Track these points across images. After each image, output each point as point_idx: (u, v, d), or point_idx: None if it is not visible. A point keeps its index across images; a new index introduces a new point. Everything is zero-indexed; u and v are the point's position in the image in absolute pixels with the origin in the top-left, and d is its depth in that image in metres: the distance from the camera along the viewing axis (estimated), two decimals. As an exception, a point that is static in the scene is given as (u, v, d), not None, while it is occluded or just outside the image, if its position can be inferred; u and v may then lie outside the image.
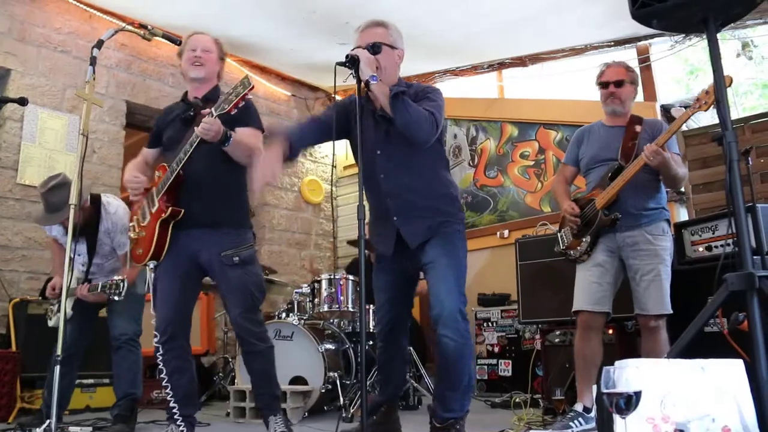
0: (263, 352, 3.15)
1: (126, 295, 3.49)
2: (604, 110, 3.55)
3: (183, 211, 3.07)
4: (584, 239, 3.41)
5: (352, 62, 2.68)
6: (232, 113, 2.89)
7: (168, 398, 3.08)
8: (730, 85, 2.70)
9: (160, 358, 3.05)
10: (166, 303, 3.08)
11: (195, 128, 2.94)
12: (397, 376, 3.21)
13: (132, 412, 3.81)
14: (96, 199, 3.84)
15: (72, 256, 2.87)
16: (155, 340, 3.06)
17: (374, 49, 2.85)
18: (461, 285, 2.84)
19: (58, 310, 3.12)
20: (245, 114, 3.07)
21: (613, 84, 3.45)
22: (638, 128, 3.40)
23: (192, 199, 3.10)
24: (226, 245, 3.09)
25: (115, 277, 3.53)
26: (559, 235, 3.63)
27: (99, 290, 3.52)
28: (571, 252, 3.49)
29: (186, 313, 3.18)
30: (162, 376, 3.05)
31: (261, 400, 3.24)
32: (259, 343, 3.13)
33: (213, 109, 2.91)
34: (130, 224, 3.29)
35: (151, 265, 3.11)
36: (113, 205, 3.87)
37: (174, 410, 3.07)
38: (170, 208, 3.05)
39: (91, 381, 4.79)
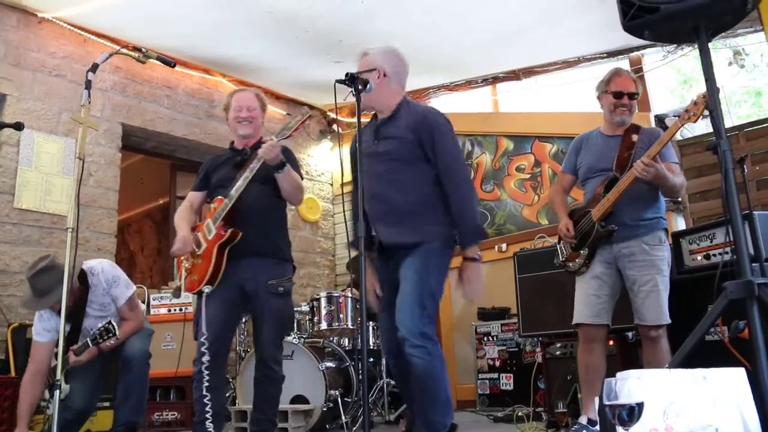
0: (279, 380, 3.36)
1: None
2: (609, 119, 3.50)
3: (241, 233, 3.25)
4: (582, 251, 3.41)
5: (351, 80, 2.72)
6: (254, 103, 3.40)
7: (205, 413, 3.11)
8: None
9: (201, 374, 3.14)
10: (212, 324, 3.21)
11: (249, 165, 3.24)
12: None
13: None
14: (81, 274, 3.77)
15: (72, 272, 2.86)
16: (198, 359, 3.16)
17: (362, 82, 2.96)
18: (428, 304, 2.89)
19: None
20: (290, 160, 3.36)
21: (627, 95, 3.43)
22: (635, 137, 3.39)
23: (242, 230, 3.27)
24: (273, 275, 3.31)
25: (99, 324, 3.53)
26: (558, 247, 3.63)
27: (90, 345, 3.50)
28: (570, 264, 3.48)
29: (227, 336, 3.35)
30: (204, 393, 3.14)
31: (259, 424, 3.33)
32: (280, 371, 3.34)
33: (274, 135, 3.23)
34: (183, 258, 3.41)
35: (207, 290, 3.23)
36: (95, 267, 3.83)
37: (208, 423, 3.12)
38: (230, 231, 3.24)
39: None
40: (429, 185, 3.06)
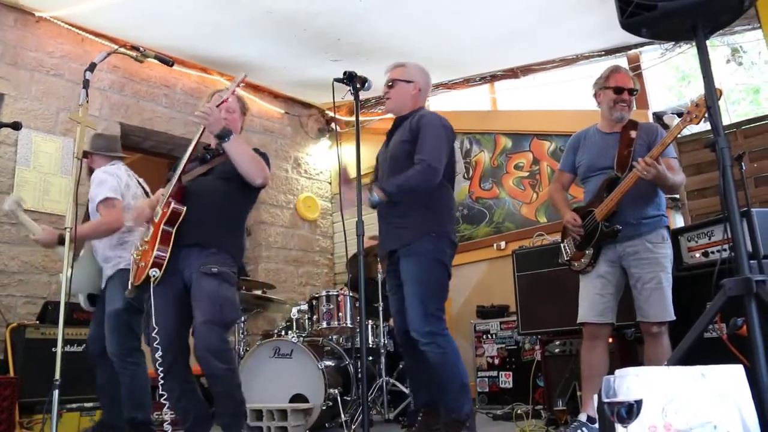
0: (223, 375, 2.97)
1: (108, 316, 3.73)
2: (608, 115, 3.49)
3: (185, 209, 3.07)
4: (587, 251, 3.40)
5: (350, 78, 2.74)
6: (229, 100, 3.20)
7: (177, 422, 3.01)
8: (719, 97, 2.71)
9: (161, 383, 2.92)
10: (163, 329, 3.02)
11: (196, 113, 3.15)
12: (427, 380, 3.33)
13: None
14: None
15: (70, 273, 2.89)
16: (154, 362, 2.98)
17: (390, 84, 3.47)
18: (430, 303, 3.14)
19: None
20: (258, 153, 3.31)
21: (627, 91, 3.43)
22: (633, 134, 3.39)
23: (190, 219, 3.10)
24: (209, 261, 3.08)
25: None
26: (561, 245, 3.62)
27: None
28: (575, 264, 3.48)
29: (183, 335, 3.14)
30: (164, 401, 2.96)
31: (221, 418, 3.04)
32: (219, 364, 2.93)
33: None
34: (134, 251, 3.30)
35: (153, 274, 2.98)
36: (106, 168, 4.01)
37: None
38: (171, 206, 3.04)
39: (90, 405, 4.76)
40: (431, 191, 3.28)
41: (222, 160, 3.22)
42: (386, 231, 3.39)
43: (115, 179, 3.91)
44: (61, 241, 3.74)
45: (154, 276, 2.98)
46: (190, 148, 3.19)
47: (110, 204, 3.81)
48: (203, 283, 3.02)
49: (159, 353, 2.95)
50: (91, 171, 4.08)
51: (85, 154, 4.01)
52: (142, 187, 4.18)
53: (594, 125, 3.62)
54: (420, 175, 3.16)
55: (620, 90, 3.42)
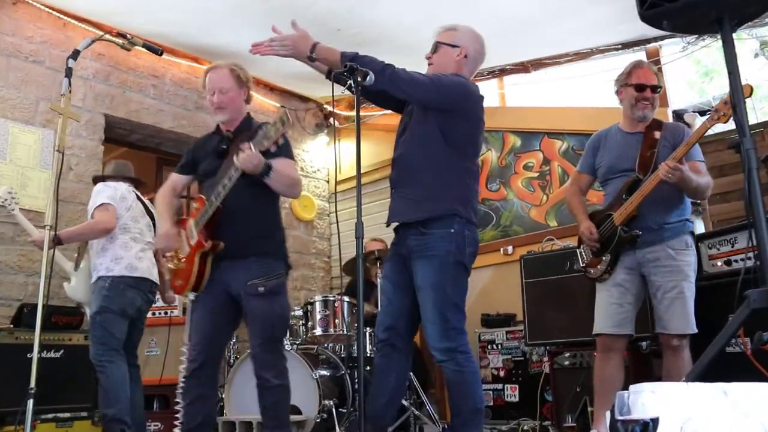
0: (274, 389, 3.22)
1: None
2: (630, 114, 3.47)
3: (223, 244, 3.26)
4: (604, 257, 3.38)
5: (350, 72, 2.71)
6: (271, 150, 3.11)
7: (179, 425, 3.17)
8: (750, 95, 2.69)
9: (182, 384, 3.20)
10: (196, 332, 3.26)
11: (234, 159, 3.12)
12: (390, 391, 3.14)
13: None
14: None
15: (49, 272, 2.98)
16: (182, 366, 3.25)
17: (434, 48, 3.31)
18: (451, 316, 2.94)
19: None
20: (281, 146, 3.21)
21: (650, 88, 3.41)
22: (657, 135, 3.37)
23: (225, 232, 3.27)
24: (253, 274, 3.23)
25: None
26: (578, 251, 3.60)
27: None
28: (591, 270, 3.46)
29: (216, 343, 3.33)
30: (178, 401, 3.19)
31: None
32: (273, 380, 3.20)
33: (252, 143, 3.06)
34: (169, 254, 3.45)
35: (191, 297, 3.30)
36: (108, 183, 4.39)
37: None
38: (210, 243, 3.25)
39: (67, 414, 4.74)
40: (439, 153, 3.07)
41: (237, 173, 3.19)
42: (397, 202, 3.17)
43: (111, 190, 4.29)
44: (58, 243, 4.04)
45: (191, 299, 3.30)
46: (227, 188, 3.22)
47: (104, 208, 4.19)
48: (252, 304, 3.22)
49: (189, 355, 3.24)
50: None
51: (96, 180, 4.55)
52: (144, 205, 4.52)
53: (616, 124, 3.59)
54: (408, 74, 2.94)
55: (642, 87, 3.40)
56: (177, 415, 3.20)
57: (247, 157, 3.05)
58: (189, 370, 3.23)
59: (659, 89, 3.44)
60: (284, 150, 3.29)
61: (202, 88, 3.56)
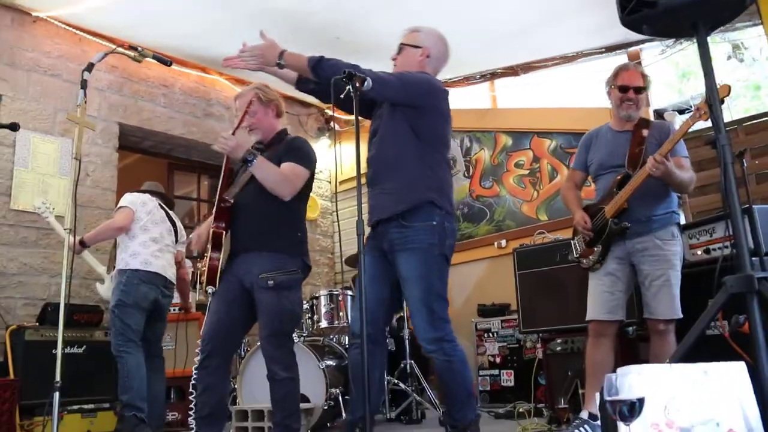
0: (283, 381, 3.18)
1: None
2: (617, 114, 3.50)
3: (223, 233, 3.24)
4: (596, 248, 3.40)
5: (349, 78, 2.70)
6: (244, 125, 3.26)
7: (191, 414, 3.17)
8: (728, 94, 2.71)
9: (194, 373, 3.19)
10: (209, 323, 3.23)
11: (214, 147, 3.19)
12: (375, 388, 3.10)
13: (121, 423, 4.15)
14: None
15: (70, 273, 2.97)
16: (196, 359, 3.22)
17: (398, 50, 3.27)
18: (437, 307, 2.91)
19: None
20: (291, 150, 3.30)
21: (633, 90, 3.42)
22: (645, 132, 3.39)
23: (240, 226, 3.26)
24: (266, 267, 3.18)
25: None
26: (572, 243, 3.63)
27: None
28: (584, 260, 3.48)
29: (228, 334, 3.26)
30: (192, 391, 3.19)
31: (274, 427, 3.23)
32: (281, 372, 3.16)
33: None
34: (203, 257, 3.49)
35: (210, 291, 3.26)
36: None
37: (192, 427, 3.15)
38: (212, 230, 3.22)
39: (91, 406, 4.77)
40: (412, 148, 3.02)
41: (267, 157, 3.24)
42: (376, 199, 3.10)
43: (133, 196, 4.55)
44: (84, 245, 4.35)
45: (210, 292, 3.27)
46: (224, 166, 3.28)
47: (121, 211, 4.43)
48: (262, 297, 3.17)
49: (201, 347, 3.19)
50: None
51: None
52: (167, 214, 4.71)
53: (606, 124, 3.62)
54: (375, 73, 2.87)
55: (625, 89, 3.42)
56: (191, 406, 3.20)
57: (222, 140, 3.08)
58: (200, 360, 3.19)
59: (643, 90, 3.45)
60: (294, 155, 3.28)
61: (235, 112, 3.56)
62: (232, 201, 3.29)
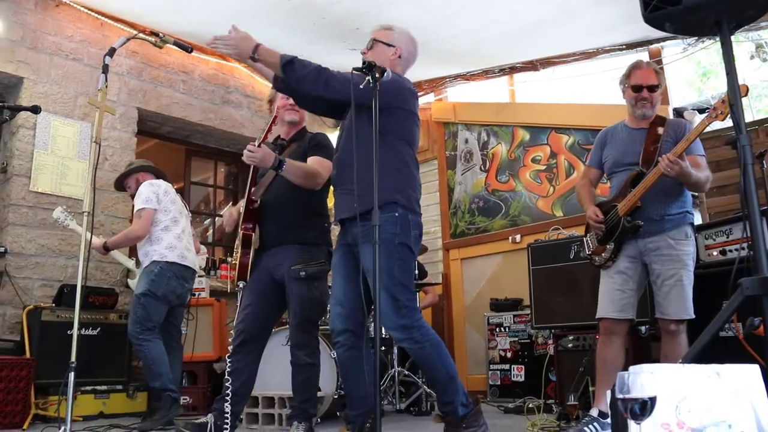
0: (304, 366, 3.40)
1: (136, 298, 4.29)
2: (632, 113, 3.48)
3: (252, 234, 3.43)
4: (608, 246, 3.38)
5: (369, 68, 2.68)
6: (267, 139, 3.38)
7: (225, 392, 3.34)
8: (746, 95, 2.68)
9: (228, 360, 3.41)
10: (241, 313, 3.44)
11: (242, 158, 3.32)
12: (361, 384, 3.04)
13: (159, 403, 4.22)
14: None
15: (87, 255, 3.02)
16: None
17: (370, 45, 3.24)
18: (400, 295, 2.85)
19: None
20: (316, 145, 3.52)
21: (646, 88, 3.39)
22: (660, 130, 3.35)
23: (268, 223, 3.46)
24: (297, 259, 3.39)
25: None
26: (584, 239, 3.61)
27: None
28: (596, 258, 3.46)
29: (259, 324, 3.46)
30: (226, 375, 3.37)
31: (291, 409, 3.50)
32: (304, 357, 3.39)
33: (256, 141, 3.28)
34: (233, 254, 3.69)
35: (241, 285, 3.45)
36: (151, 180, 4.60)
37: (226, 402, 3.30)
38: (242, 232, 3.42)
39: (104, 387, 4.82)
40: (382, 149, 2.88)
41: (292, 151, 3.47)
42: (340, 199, 3.08)
43: (152, 188, 4.48)
44: (107, 249, 4.45)
45: (240, 286, 3.46)
46: (251, 175, 3.45)
47: (138, 215, 4.43)
48: (293, 287, 3.38)
49: (234, 333, 3.44)
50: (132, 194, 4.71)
51: (126, 175, 4.79)
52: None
53: (622, 121, 3.58)
54: (342, 75, 2.87)
55: (639, 88, 3.39)
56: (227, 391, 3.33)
57: (248, 152, 3.20)
58: (232, 346, 3.41)
59: (657, 88, 3.41)
60: (319, 149, 3.50)
61: (267, 103, 3.82)
62: (259, 202, 3.47)
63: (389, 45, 3.23)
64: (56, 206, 4.87)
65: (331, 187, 3.26)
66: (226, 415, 3.26)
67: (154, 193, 4.46)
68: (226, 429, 3.27)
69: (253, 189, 3.48)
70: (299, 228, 3.44)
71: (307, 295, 3.37)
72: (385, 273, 2.83)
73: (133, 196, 4.67)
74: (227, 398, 3.27)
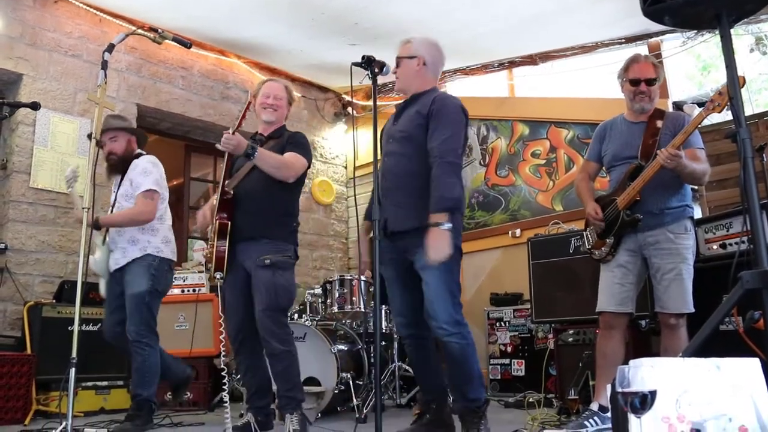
0: (281, 355, 3.36)
1: (130, 298, 3.82)
2: (630, 107, 3.46)
3: (228, 223, 3.42)
4: (608, 240, 3.37)
5: (368, 63, 2.72)
6: (242, 126, 3.45)
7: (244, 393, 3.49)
8: (743, 86, 2.67)
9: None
10: (232, 314, 3.49)
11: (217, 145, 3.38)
12: (434, 374, 3.29)
13: (140, 411, 3.80)
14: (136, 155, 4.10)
15: (87, 251, 3.01)
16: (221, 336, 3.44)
17: (396, 63, 3.30)
18: (456, 292, 3.05)
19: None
20: (293, 142, 3.56)
21: (644, 82, 3.37)
22: (659, 124, 3.34)
23: (239, 215, 3.46)
24: (264, 251, 3.40)
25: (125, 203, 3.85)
26: (584, 234, 3.60)
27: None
28: (596, 252, 3.46)
29: (250, 320, 3.45)
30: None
31: (279, 399, 3.44)
32: (279, 346, 3.35)
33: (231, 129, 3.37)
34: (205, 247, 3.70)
35: (218, 276, 3.43)
36: (146, 156, 4.10)
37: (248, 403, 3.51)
38: (217, 222, 3.42)
39: (105, 383, 4.83)
40: (426, 164, 3.07)
41: (269, 147, 3.50)
42: (395, 212, 3.14)
43: (158, 171, 4.02)
44: (96, 227, 3.82)
45: (218, 278, 3.43)
46: (225, 163, 3.53)
47: (149, 196, 3.90)
48: (259, 274, 3.39)
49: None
50: (109, 152, 4.05)
51: (120, 129, 4.11)
52: None
53: (621, 114, 3.57)
54: (447, 177, 2.98)
55: (636, 82, 3.37)
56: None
57: (223, 139, 3.29)
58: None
59: (655, 81, 3.39)
60: (295, 146, 3.53)
61: (252, 97, 3.72)
62: (232, 193, 3.48)
63: (410, 57, 3.31)
64: (56, 202, 4.87)
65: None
66: (226, 413, 3.24)
67: (161, 176, 4.04)
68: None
69: (227, 181, 3.51)
70: (268, 224, 3.46)
71: (271, 281, 3.36)
72: (444, 270, 2.97)
73: (110, 153, 4.06)
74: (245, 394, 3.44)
